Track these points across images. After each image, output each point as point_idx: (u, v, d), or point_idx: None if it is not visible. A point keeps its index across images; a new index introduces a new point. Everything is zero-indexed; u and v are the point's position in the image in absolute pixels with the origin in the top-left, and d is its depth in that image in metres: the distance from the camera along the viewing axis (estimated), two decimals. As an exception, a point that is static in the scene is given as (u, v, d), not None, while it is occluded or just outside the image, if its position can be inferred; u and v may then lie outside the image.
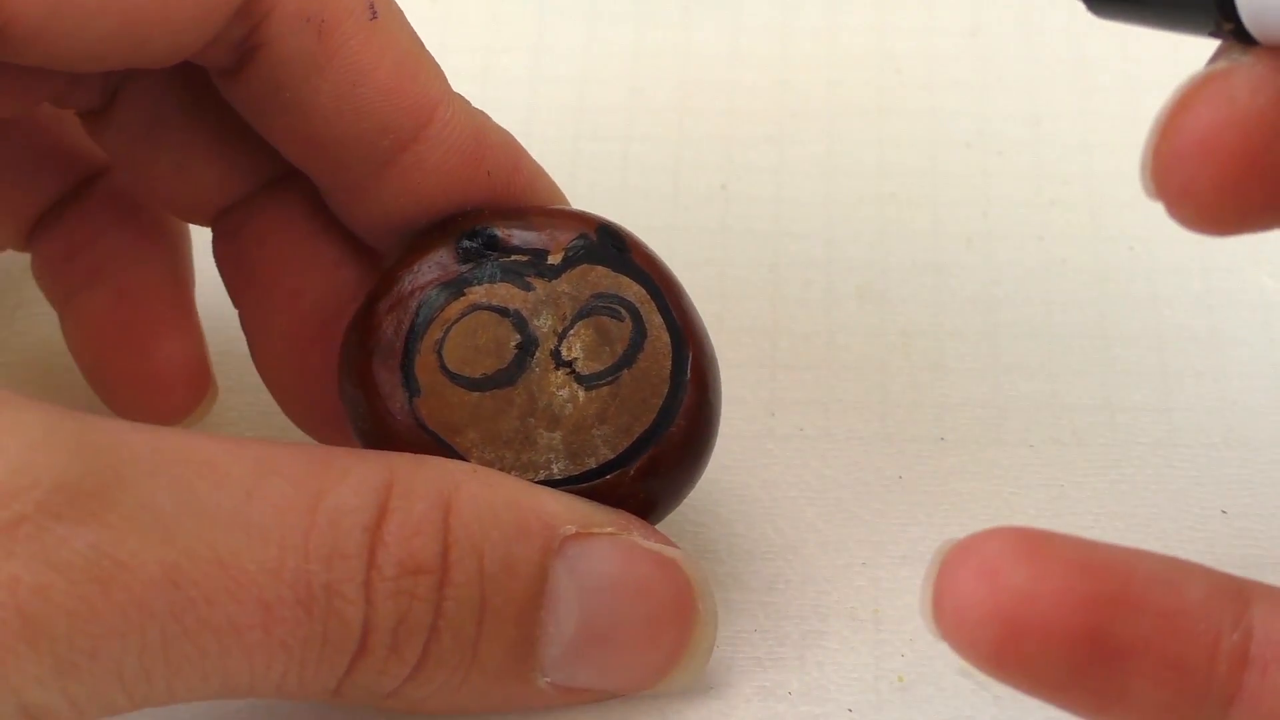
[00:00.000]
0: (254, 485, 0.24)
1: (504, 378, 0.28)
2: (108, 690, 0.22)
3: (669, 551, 0.27)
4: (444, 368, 0.28)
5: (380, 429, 0.27)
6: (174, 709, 0.27)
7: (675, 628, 0.27)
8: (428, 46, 0.29)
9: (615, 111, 0.41)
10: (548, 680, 0.26)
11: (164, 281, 0.32)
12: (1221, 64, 0.22)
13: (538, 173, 0.30)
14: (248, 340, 0.31)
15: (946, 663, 0.29)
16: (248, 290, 0.31)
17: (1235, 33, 0.22)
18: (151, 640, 0.22)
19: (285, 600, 0.23)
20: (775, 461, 0.33)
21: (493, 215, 0.29)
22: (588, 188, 0.38)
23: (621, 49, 0.42)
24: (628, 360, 0.28)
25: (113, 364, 0.32)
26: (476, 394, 0.27)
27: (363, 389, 0.28)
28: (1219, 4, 0.21)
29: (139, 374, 0.32)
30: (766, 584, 0.31)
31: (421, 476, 0.25)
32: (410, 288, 0.28)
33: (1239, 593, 0.24)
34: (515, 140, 0.30)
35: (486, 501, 0.26)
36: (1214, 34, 0.22)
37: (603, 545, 0.26)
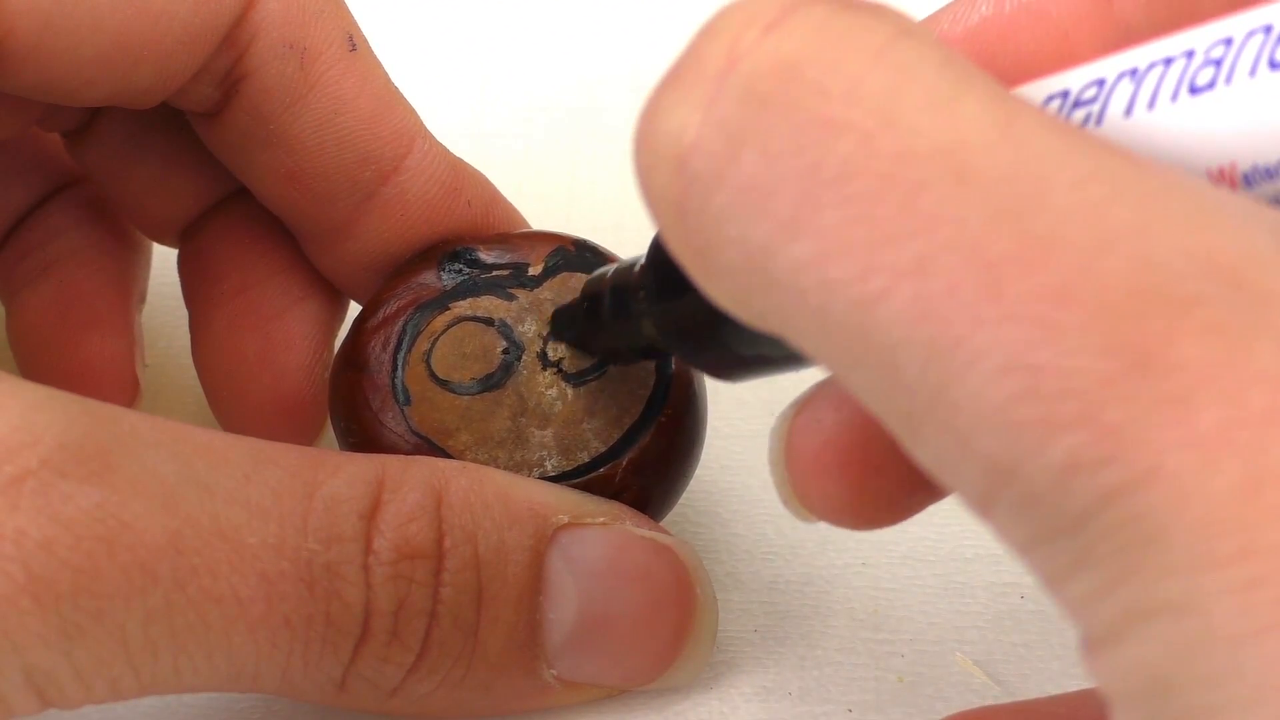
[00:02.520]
0: (251, 470, 0.24)
1: (493, 381, 0.28)
2: (113, 662, 0.22)
3: (662, 538, 0.27)
4: (433, 375, 0.28)
5: (372, 439, 0.28)
6: (183, 711, 0.28)
7: (675, 612, 0.27)
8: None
9: (617, 111, 0.41)
10: (554, 673, 0.26)
11: (107, 284, 0.33)
12: (808, 390, 0.23)
13: (512, 207, 0.31)
14: (191, 338, 0.32)
15: (946, 663, 0.29)
16: (199, 286, 0.32)
17: None
18: (155, 607, 0.22)
19: (287, 575, 0.24)
20: (775, 462, 0.33)
21: (473, 240, 0.30)
22: (588, 185, 0.38)
23: (623, 49, 0.42)
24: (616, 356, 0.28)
25: (45, 356, 0.32)
26: (466, 398, 0.28)
27: (352, 405, 0.28)
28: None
29: (67, 366, 0.32)
30: (766, 584, 0.31)
31: (412, 472, 0.26)
32: (395, 308, 0.29)
33: None
34: (486, 177, 0.31)
35: (477, 493, 0.26)
36: None
37: (596, 533, 0.27)
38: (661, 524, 0.28)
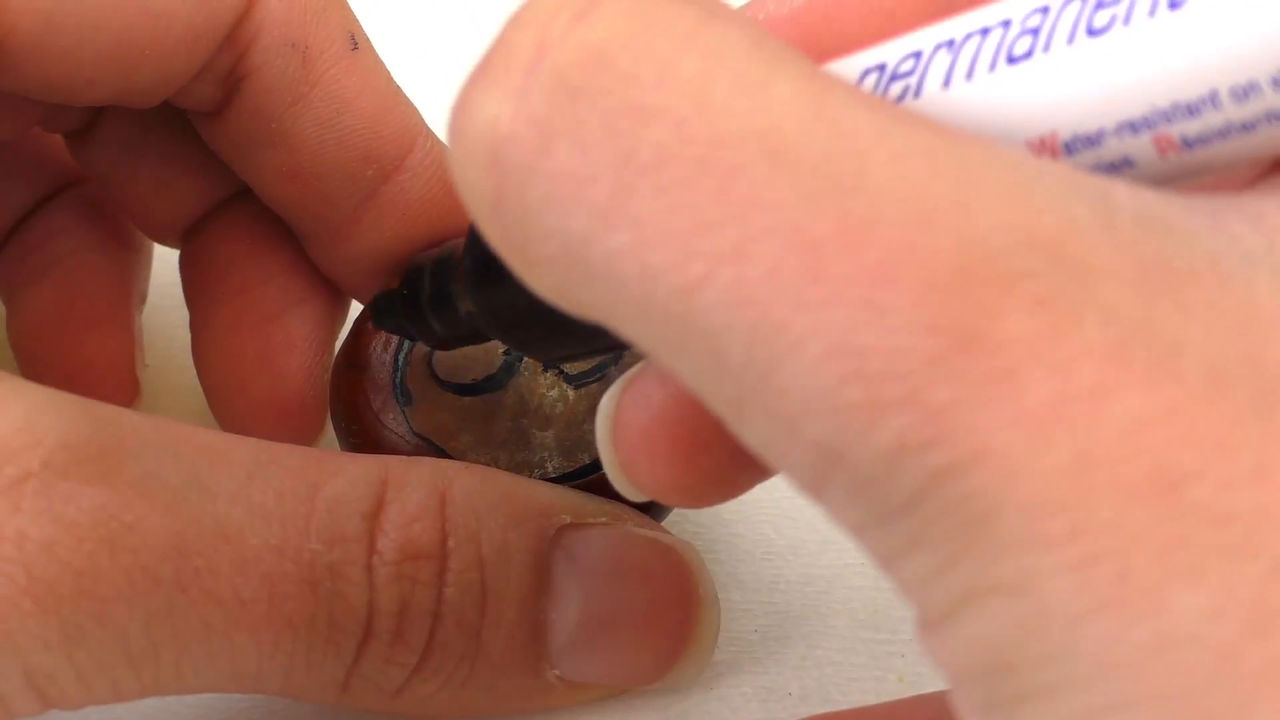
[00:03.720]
0: (254, 471, 0.24)
1: (494, 383, 0.28)
2: (115, 664, 0.22)
3: (664, 538, 0.27)
4: (434, 377, 0.28)
5: (373, 440, 0.28)
6: (184, 712, 0.28)
7: (677, 612, 0.27)
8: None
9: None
10: (557, 673, 0.26)
11: (107, 284, 0.33)
12: (636, 367, 0.22)
13: None
14: (191, 338, 0.32)
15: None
16: (200, 287, 0.32)
17: None
18: (157, 608, 0.22)
19: (290, 576, 0.24)
20: (776, 461, 0.33)
21: None
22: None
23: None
24: (615, 357, 0.28)
25: (45, 356, 0.32)
26: (468, 399, 0.28)
27: (353, 405, 0.28)
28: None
29: (67, 366, 0.32)
30: (766, 584, 0.31)
31: (415, 472, 0.26)
32: None
33: None
34: None
35: (480, 493, 0.26)
36: None
37: (598, 534, 0.27)
38: (663, 524, 0.28)
